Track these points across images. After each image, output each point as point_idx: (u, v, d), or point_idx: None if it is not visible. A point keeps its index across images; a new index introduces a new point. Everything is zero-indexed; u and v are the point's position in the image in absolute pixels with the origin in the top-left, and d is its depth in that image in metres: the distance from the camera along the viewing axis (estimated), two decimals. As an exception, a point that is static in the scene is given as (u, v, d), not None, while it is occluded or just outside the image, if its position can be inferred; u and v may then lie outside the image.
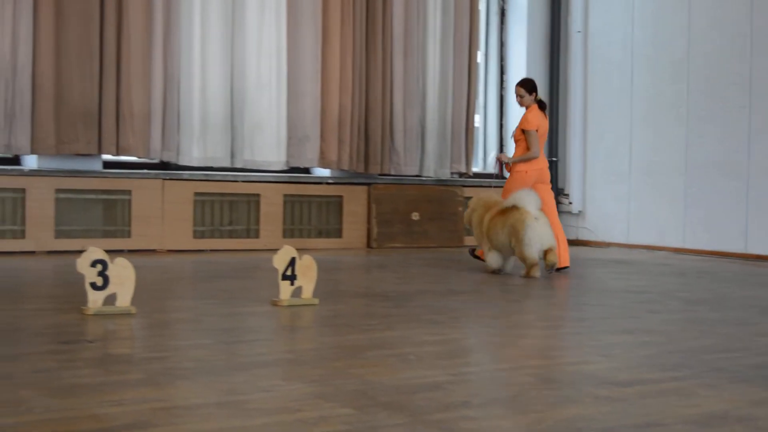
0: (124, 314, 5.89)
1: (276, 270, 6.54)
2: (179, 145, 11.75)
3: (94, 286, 5.89)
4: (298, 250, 6.75)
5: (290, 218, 12.61)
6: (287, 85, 12.52)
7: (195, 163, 11.81)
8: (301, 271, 6.58)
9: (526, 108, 10.31)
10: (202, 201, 11.96)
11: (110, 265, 5.93)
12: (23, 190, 10.77)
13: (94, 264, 5.89)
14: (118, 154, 11.36)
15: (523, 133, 10.16)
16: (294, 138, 12.62)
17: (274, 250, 6.81)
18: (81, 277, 5.95)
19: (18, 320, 5.77)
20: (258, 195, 12.37)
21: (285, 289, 6.54)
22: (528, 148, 10.12)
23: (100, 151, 11.22)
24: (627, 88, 14.42)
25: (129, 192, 11.40)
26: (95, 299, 5.91)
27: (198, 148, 11.82)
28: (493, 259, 9.52)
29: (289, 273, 6.53)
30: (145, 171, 11.77)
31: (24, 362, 4.37)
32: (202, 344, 4.98)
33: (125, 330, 5.44)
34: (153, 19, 11.47)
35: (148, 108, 11.46)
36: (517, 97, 10.34)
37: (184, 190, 11.80)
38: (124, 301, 5.96)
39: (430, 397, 3.78)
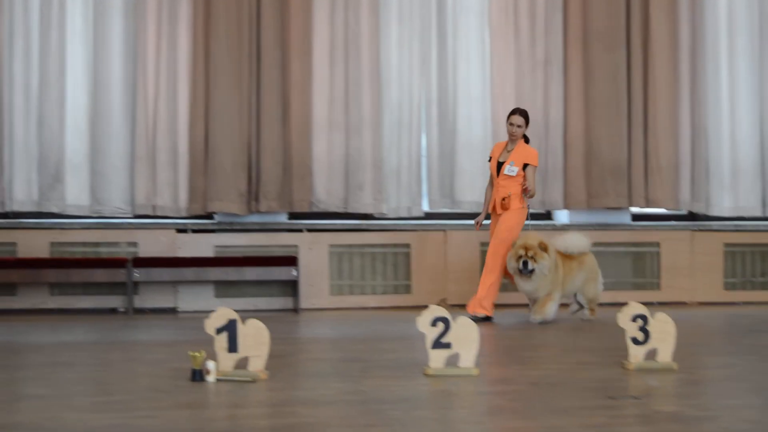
0: (666, 370, 5.84)
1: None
2: (708, 196, 11.50)
3: (635, 341, 5.92)
4: None
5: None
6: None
7: (725, 213, 11.51)
8: None
9: (513, 141, 9.44)
10: (732, 252, 11.60)
11: (650, 320, 5.92)
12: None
13: (635, 319, 5.92)
14: (647, 206, 11.39)
15: (524, 169, 9.34)
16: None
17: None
18: (620, 331, 5.99)
19: (564, 373, 5.94)
20: (793, 245, 11.76)
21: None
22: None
23: (629, 204, 11.32)
24: None
25: (658, 244, 11.37)
26: (636, 354, 5.93)
27: (728, 198, 11.51)
28: (556, 308, 9.23)
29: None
30: (674, 222, 11.68)
31: (574, 416, 4.48)
32: (752, 404, 4.80)
33: (669, 386, 5.40)
34: (679, 71, 11.40)
35: (676, 159, 11.37)
36: (513, 126, 9.35)
37: (713, 241, 11.52)
38: (665, 356, 5.91)
39: None
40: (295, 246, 10.64)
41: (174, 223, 10.59)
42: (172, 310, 10.40)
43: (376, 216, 10.91)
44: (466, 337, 5.67)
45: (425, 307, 5.80)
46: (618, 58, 11.17)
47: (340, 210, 10.80)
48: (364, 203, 10.78)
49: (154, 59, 10.49)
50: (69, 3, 10.41)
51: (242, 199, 10.48)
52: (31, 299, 10.24)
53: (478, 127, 11.04)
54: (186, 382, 5.39)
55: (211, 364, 5.43)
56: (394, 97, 10.91)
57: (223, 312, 5.53)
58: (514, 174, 9.27)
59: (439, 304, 5.86)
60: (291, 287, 10.54)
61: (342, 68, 10.77)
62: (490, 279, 9.20)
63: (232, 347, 5.49)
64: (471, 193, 10.96)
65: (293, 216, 10.94)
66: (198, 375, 5.42)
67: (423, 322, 5.66)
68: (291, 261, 10.32)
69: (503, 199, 9.24)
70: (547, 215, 11.58)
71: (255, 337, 5.49)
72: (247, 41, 10.53)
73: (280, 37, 10.61)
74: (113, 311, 10.29)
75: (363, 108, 10.75)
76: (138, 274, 10.01)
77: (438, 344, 5.66)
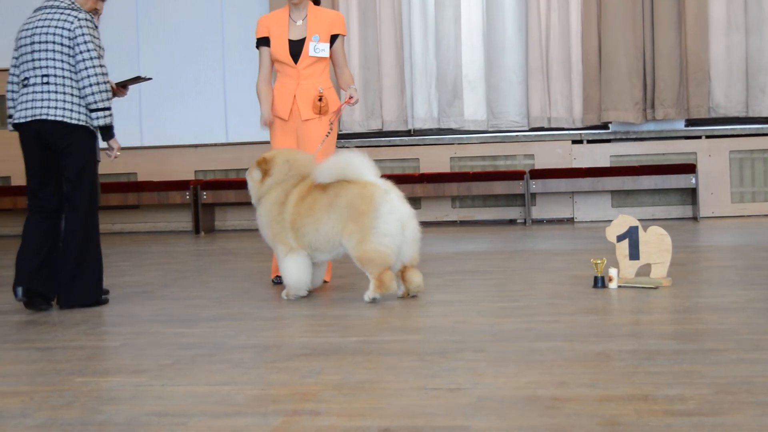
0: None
1: None
2: None
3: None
4: None
5: None
6: None
7: None
8: None
9: (296, 3, 6.00)
10: None
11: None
12: None
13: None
14: None
15: (332, 44, 6.06)
16: None
17: None
18: None
19: None
20: None
21: None
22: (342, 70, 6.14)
23: None
24: None
25: None
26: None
27: None
28: (294, 270, 5.42)
29: None
30: None
31: None
32: None
33: None
34: None
35: None
36: None
37: None
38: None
39: None
40: (693, 153, 10.38)
41: (569, 134, 10.66)
42: (569, 220, 10.52)
43: (780, 119, 10.40)
44: None
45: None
46: None
47: (741, 115, 10.39)
48: (766, 106, 10.29)
49: (545, -29, 10.56)
50: None
51: (637, 108, 10.34)
52: (435, 212, 10.75)
53: None
54: (588, 289, 5.46)
55: (613, 271, 5.46)
56: (799, -9, 10.27)
57: (623, 219, 5.54)
58: (326, 54, 6.06)
59: None
60: (690, 195, 10.33)
61: (740, -36, 10.28)
62: None
63: (634, 254, 5.49)
64: None
65: (690, 123, 10.64)
66: (600, 281, 5.48)
67: (837, 227, 5.36)
68: (689, 168, 10.08)
69: (320, 99, 6.02)
70: None
71: (657, 245, 5.45)
72: (639, -55, 10.31)
73: (673, -63, 10.30)
74: (512, 222, 10.58)
75: (764, 5, 10.20)
76: (535, 185, 10.20)
77: None
